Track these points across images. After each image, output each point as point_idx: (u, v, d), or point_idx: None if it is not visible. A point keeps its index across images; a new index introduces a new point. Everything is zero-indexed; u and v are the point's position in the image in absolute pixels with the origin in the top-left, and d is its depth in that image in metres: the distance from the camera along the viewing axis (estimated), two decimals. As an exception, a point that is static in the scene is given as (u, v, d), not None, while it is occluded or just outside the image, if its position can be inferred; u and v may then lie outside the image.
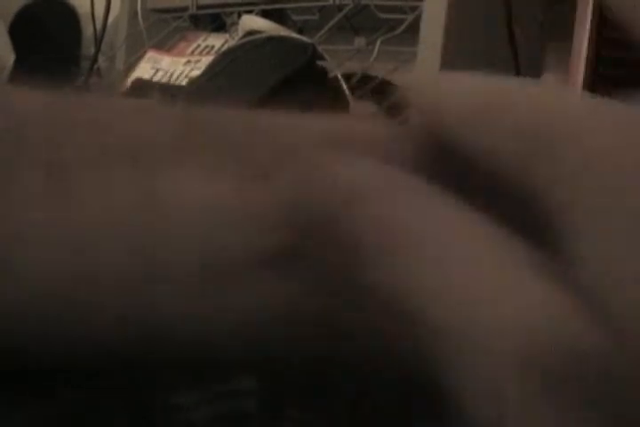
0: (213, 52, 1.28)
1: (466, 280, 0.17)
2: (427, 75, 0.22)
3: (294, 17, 1.28)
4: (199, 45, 1.33)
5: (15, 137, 0.22)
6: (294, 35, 1.10)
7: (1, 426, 0.28)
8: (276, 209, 0.20)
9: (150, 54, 1.34)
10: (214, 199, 0.20)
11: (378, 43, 1.09)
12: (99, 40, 1.46)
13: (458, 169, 0.20)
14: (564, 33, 0.75)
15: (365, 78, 1.11)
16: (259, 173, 0.20)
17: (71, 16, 1.60)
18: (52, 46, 1.60)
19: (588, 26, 0.70)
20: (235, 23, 1.27)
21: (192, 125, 0.23)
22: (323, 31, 1.15)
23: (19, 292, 0.21)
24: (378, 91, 1.12)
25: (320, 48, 1.05)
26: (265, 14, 1.23)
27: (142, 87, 1.24)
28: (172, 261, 0.20)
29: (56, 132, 0.22)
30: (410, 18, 1.05)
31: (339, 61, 1.10)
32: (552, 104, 0.20)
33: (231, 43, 1.21)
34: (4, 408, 0.29)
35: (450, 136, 0.21)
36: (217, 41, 1.32)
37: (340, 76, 1.04)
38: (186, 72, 1.26)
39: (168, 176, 0.20)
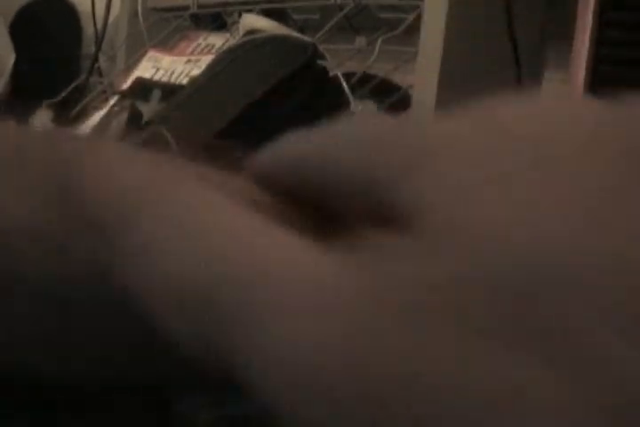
0: (214, 51, 1.28)
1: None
2: None
3: (295, 16, 1.28)
4: (200, 44, 1.33)
5: None
6: (295, 34, 1.10)
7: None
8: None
9: (151, 53, 1.34)
10: None
11: (378, 42, 1.09)
12: (99, 39, 1.46)
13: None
14: (565, 32, 0.76)
15: (366, 78, 1.11)
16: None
17: (72, 15, 1.61)
18: (52, 45, 1.60)
19: (588, 25, 0.70)
20: (235, 22, 1.27)
21: None
22: (323, 30, 1.15)
23: None
24: (378, 90, 1.12)
25: (320, 47, 1.05)
26: (266, 13, 1.23)
27: (143, 86, 1.24)
28: None
29: None
30: (410, 17, 1.05)
31: (339, 61, 1.10)
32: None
33: (232, 42, 1.21)
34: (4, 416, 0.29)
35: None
36: (218, 40, 1.31)
37: (340, 76, 1.04)
38: (186, 71, 1.26)
39: None
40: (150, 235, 0.19)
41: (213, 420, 0.35)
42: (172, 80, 1.26)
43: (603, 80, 0.71)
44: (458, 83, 0.96)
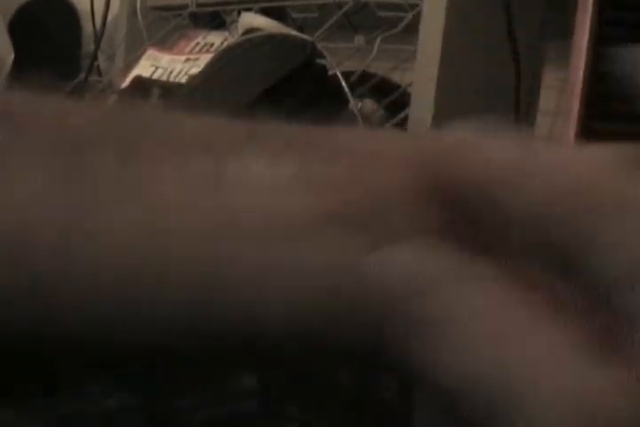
0: (213, 49, 1.28)
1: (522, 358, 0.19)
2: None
3: (294, 15, 1.28)
4: (199, 43, 1.33)
5: (97, 130, 0.24)
6: (294, 33, 1.10)
7: None
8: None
9: (150, 52, 1.34)
10: (278, 178, 0.22)
11: (377, 41, 1.09)
12: (98, 38, 1.45)
13: (489, 228, 0.21)
14: (564, 32, 0.75)
15: (365, 76, 1.11)
16: (319, 159, 0.23)
17: (71, 14, 1.60)
18: (51, 44, 1.60)
19: (588, 25, 0.70)
20: (234, 21, 1.27)
21: (256, 125, 0.26)
22: (322, 29, 1.14)
23: (90, 276, 0.22)
24: (377, 89, 1.12)
25: (319, 46, 1.05)
26: (264, 12, 1.23)
27: (142, 85, 1.24)
28: (239, 235, 0.21)
29: (132, 127, 0.24)
30: (409, 16, 1.05)
31: (338, 59, 1.10)
32: (581, 166, 0.21)
33: (231, 40, 1.21)
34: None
35: (479, 195, 0.21)
36: (216, 39, 1.31)
37: (339, 74, 1.04)
38: (185, 70, 1.26)
39: (237, 161, 0.23)
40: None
41: (210, 419, 0.35)
42: (171, 79, 1.26)
43: (602, 79, 0.71)
44: (457, 81, 0.96)
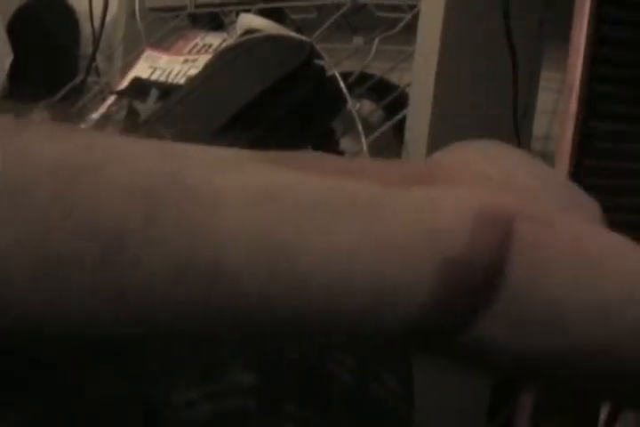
0: (211, 50, 1.28)
1: None
2: None
3: (292, 16, 1.28)
4: (197, 44, 1.33)
5: None
6: (292, 33, 1.10)
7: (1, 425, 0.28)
8: None
9: (148, 53, 1.34)
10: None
11: (376, 41, 1.09)
12: (96, 39, 1.45)
13: None
14: (562, 32, 0.76)
15: (363, 77, 1.11)
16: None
17: (69, 15, 1.60)
18: (50, 45, 1.60)
19: (585, 24, 0.70)
20: (233, 22, 1.27)
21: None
22: (321, 30, 1.14)
23: None
24: (376, 89, 1.12)
25: (318, 47, 1.05)
26: (263, 13, 1.23)
27: (140, 86, 1.24)
28: None
29: None
30: (408, 17, 1.05)
31: (336, 60, 1.10)
32: None
33: (229, 41, 1.21)
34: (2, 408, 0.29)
35: None
36: (215, 40, 1.31)
37: (337, 75, 1.04)
38: (184, 71, 1.26)
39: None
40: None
41: (209, 413, 0.35)
42: (170, 80, 1.26)
43: (599, 79, 0.71)
44: (455, 82, 0.96)
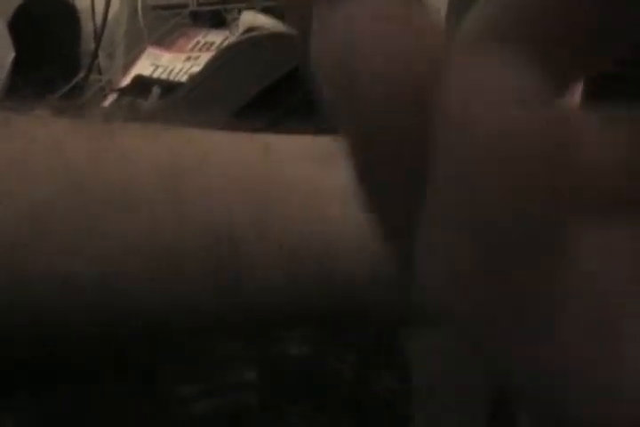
0: (213, 48, 1.28)
1: None
2: None
3: (294, 13, 1.28)
4: (199, 42, 1.33)
5: None
6: (295, 31, 1.09)
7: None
8: None
9: (150, 51, 1.34)
10: None
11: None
12: (98, 36, 1.45)
13: None
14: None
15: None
16: None
17: (71, 12, 1.60)
18: (51, 43, 1.60)
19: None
20: (235, 19, 1.27)
21: None
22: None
23: None
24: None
25: (320, 45, 1.05)
26: (265, 10, 1.23)
27: (142, 84, 1.24)
28: None
29: None
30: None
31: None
32: None
33: (231, 39, 1.21)
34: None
35: None
36: (217, 37, 1.31)
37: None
38: (186, 68, 1.26)
39: None
40: None
41: (211, 408, 0.35)
42: (172, 77, 1.26)
43: (599, 79, 0.72)
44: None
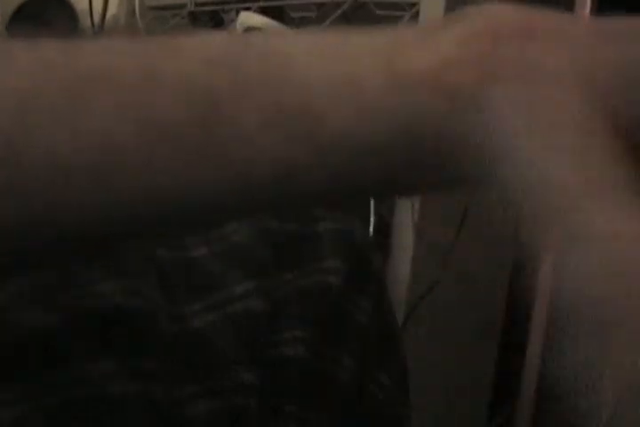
0: (211, 49, 1.28)
1: None
2: None
3: (292, 14, 1.28)
4: (197, 42, 1.33)
5: None
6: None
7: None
8: None
9: (148, 51, 1.34)
10: None
11: (376, 40, 1.09)
12: (97, 37, 1.45)
13: None
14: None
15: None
16: None
17: (69, 13, 1.60)
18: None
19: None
20: (233, 20, 1.27)
21: None
22: (321, 28, 1.14)
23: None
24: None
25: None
26: (263, 11, 1.23)
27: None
28: None
29: None
30: (408, 15, 1.05)
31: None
32: None
33: (229, 40, 1.20)
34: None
35: None
36: (215, 38, 1.31)
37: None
38: (184, 69, 1.26)
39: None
40: None
41: (210, 409, 0.35)
42: (170, 78, 1.25)
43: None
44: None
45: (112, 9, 1.46)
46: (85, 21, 1.54)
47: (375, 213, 1.05)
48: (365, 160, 0.26)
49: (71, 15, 1.60)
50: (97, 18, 1.46)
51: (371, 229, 1.04)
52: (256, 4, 1.25)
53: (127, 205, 0.27)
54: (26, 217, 0.26)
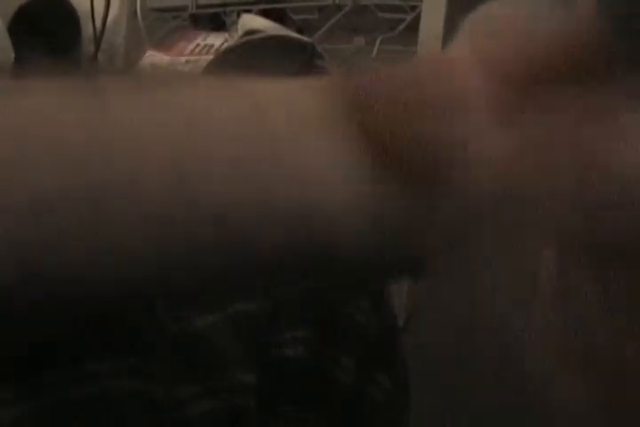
0: (213, 51, 1.28)
1: None
2: None
3: (294, 16, 1.28)
4: (198, 45, 1.33)
5: None
6: (294, 34, 1.10)
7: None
8: None
9: (150, 54, 1.34)
10: None
11: (377, 42, 1.09)
12: (98, 39, 1.45)
13: None
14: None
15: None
16: None
17: (70, 15, 1.60)
18: (51, 45, 1.60)
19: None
20: (234, 22, 1.27)
21: None
22: (322, 30, 1.15)
23: None
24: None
25: (319, 47, 1.05)
26: (264, 13, 1.23)
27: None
28: None
29: None
30: (409, 17, 1.05)
31: (338, 60, 1.10)
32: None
33: (231, 42, 1.21)
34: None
35: None
36: (216, 40, 1.31)
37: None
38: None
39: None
40: None
41: (209, 410, 0.35)
42: (171, 80, 1.25)
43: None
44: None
45: (113, 10, 1.46)
46: (87, 22, 1.55)
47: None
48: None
49: (72, 16, 1.60)
50: (98, 19, 1.46)
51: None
52: (257, 7, 1.25)
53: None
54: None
